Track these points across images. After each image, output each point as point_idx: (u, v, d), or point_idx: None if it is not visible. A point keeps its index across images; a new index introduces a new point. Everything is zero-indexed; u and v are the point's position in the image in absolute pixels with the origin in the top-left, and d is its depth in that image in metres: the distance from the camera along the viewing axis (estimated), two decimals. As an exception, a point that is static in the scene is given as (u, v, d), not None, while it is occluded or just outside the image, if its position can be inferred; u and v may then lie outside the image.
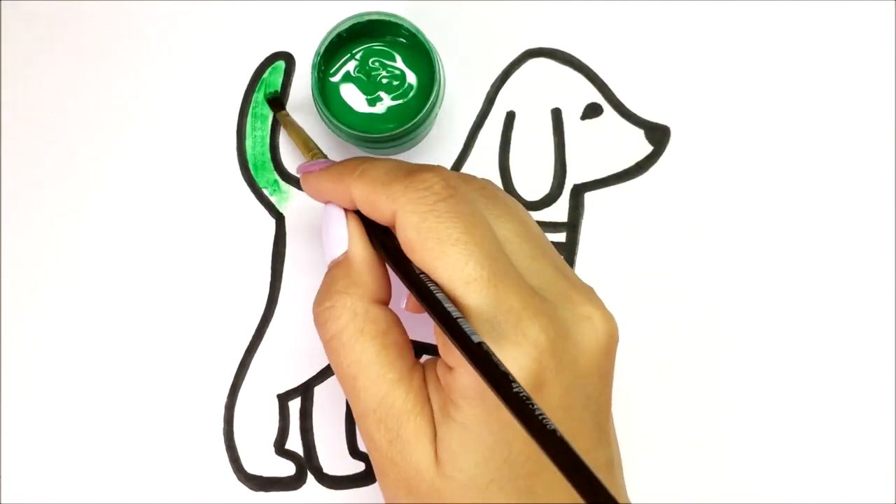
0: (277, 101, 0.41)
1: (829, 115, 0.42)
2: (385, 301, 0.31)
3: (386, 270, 0.32)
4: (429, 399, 0.29)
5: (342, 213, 0.32)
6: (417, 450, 0.29)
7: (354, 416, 0.31)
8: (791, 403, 0.41)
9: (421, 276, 0.28)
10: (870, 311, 0.41)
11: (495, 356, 0.25)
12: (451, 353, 0.28)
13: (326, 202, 0.33)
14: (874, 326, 0.41)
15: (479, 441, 0.28)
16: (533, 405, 0.23)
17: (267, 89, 0.42)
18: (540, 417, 0.23)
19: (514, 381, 0.24)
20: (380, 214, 0.30)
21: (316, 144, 0.38)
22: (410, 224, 0.29)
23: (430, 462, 0.28)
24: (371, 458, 0.31)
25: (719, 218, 0.41)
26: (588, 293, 0.30)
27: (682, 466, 0.41)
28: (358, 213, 0.32)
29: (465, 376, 0.28)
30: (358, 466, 0.41)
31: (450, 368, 0.28)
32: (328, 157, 0.37)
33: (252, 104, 0.42)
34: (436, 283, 0.28)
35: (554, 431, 0.22)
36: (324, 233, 0.32)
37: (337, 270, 0.31)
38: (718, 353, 0.41)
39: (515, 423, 0.27)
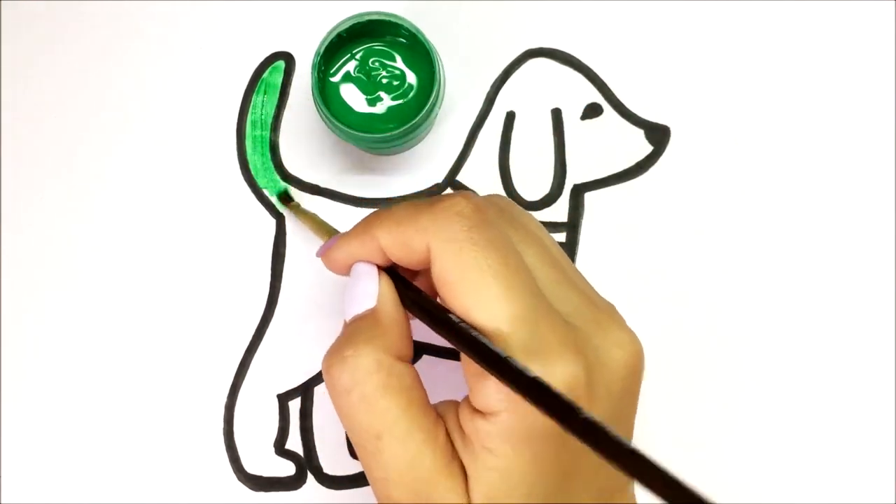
0: (286, 196, 0.41)
1: (830, 115, 0.42)
2: (407, 361, 0.30)
3: (410, 331, 0.30)
4: (455, 453, 0.28)
5: (374, 268, 0.30)
6: None
7: (369, 477, 0.28)
8: (791, 403, 0.41)
9: (461, 324, 0.27)
10: (870, 311, 0.41)
11: (553, 388, 0.24)
12: (487, 398, 0.27)
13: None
14: (874, 326, 0.41)
15: (523, 482, 0.27)
16: (606, 429, 0.23)
17: (267, 89, 0.42)
18: (616, 439, 0.22)
19: (579, 409, 0.23)
20: (412, 252, 0.29)
21: (334, 228, 0.38)
22: (448, 254, 0.27)
23: None
24: None
25: (719, 218, 0.41)
26: (612, 313, 0.30)
27: (682, 466, 0.41)
28: (386, 272, 0.31)
29: (508, 421, 0.27)
30: (358, 466, 0.41)
31: (484, 416, 0.27)
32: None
33: (252, 104, 0.42)
34: (473, 326, 0.27)
35: (634, 451, 0.22)
36: (350, 287, 0.30)
37: (361, 322, 0.29)
38: (718, 353, 0.41)
39: (554, 459, 0.27)
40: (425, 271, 0.30)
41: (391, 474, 0.28)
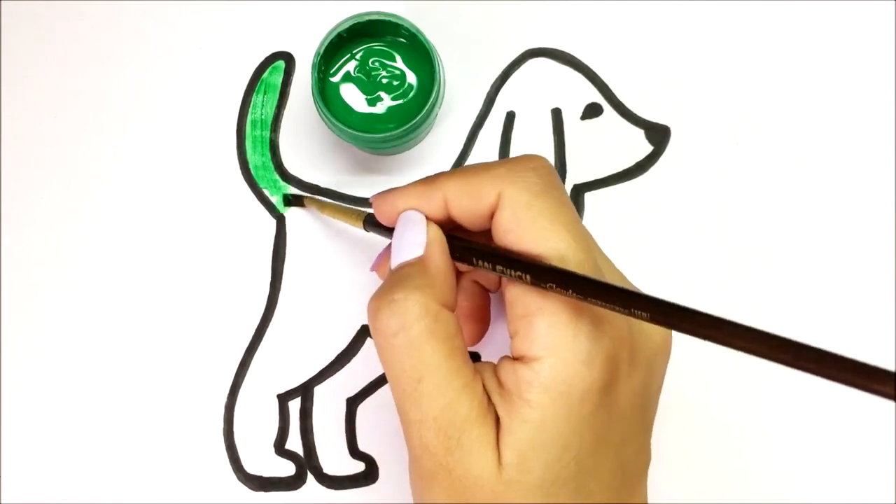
0: (296, 199, 0.41)
1: (830, 115, 0.42)
2: (453, 310, 0.30)
3: (455, 282, 0.31)
4: (491, 404, 0.28)
5: (423, 217, 0.31)
6: (480, 457, 0.28)
7: (403, 419, 0.29)
8: (791, 403, 0.41)
9: (520, 255, 0.28)
10: (870, 311, 0.41)
11: (634, 289, 0.26)
12: (533, 343, 0.27)
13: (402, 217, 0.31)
14: (874, 326, 0.41)
15: (555, 438, 0.27)
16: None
17: (267, 89, 0.42)
18: (727, 320, 0.25)
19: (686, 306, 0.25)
20: (480, 200, 0.29)
21: (361, 210, 0.37)
22: (521, 201, 0.28)
23: (493, 468, 0.28)
24: (418, 464, 0.29)
25: (719, 218, 0.41)
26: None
27: (682, 466, 0.41)
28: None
29: (554, 367, 0.27)
30: (358, 466, 0.41)
31: (528, 361, 0.28)
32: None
33: (252, 104, 0.42)
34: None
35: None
36: (398, 235, 0.31)
37: (409, 269, 0.30)
38: (718, 352, 0.41)
39: (589, 420, 0.27)
40: (481, 226, 0.30)
41: (427, 417, 0.28)
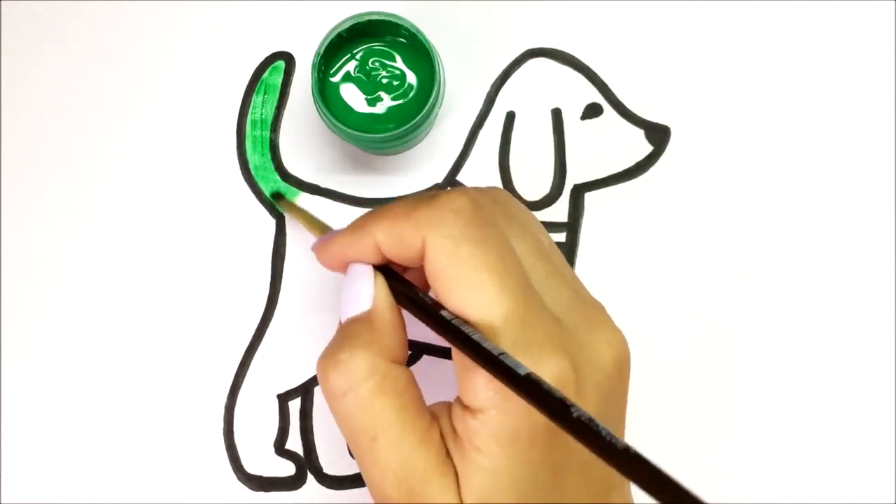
0: (277, 195, 0.42)
1: (829, 115, 0.42)
2: (403, 363, 0.30)
3: (405, 335, 0.30)
4: (448, 454, 0.28)
5: (370, 269, 0.30)
6: None
7: (364, 475, 0.29)
8: (791, 403, 0.41)
9: (454, 320, 0.27)
10: (870, 312, 0.41)
11: (546, 384, 0.24)
12: (475, 396, 0.27)
13: (347, 264, 0.31)
14: (874, 326, 0.41)
15: (512, 483, 0.27)
16: (600, 426, 0.23)
17: (267, 89, 0.42)
18: (608, 437, 0.22)
19: (572, 405, 0.24)
20: (407, 249, 0.29)
21: (326, 225, 0.38)
22: (444, 251, 0.27)
23: None
24: None
25: (719, 218, 0.41)
26: (601, 311, 0.30)
27: (683, 466, 0.41)
28: (380, 271, 0.31)
29: (497, 418, 0.27)
30: (358, 466, 0.41)
31: (474, 413, 0.27)
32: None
33: (252, 105, 0.42)
34: (467, 322, 0.27)
35: (627, 449, 0.22)
36: (345, 288, 0.30)
37: (356, 326, 0.29)
38: (718, 353, 0.41)
39: (543, 458, 0.27)
40: (417, 267, 0.30)
41: (386, 475, 0.28)
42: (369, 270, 0.30)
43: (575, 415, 0.23)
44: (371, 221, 0.30)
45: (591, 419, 0.23)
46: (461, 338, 0.27)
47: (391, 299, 0.30)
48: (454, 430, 0.28)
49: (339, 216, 0.41)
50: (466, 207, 0.28)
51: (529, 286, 0.28)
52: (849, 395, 0.41)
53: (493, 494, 0.27)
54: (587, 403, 0.28)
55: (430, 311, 0.28)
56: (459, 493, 0.27)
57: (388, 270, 0.31)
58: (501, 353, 0.26)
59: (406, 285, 0.30)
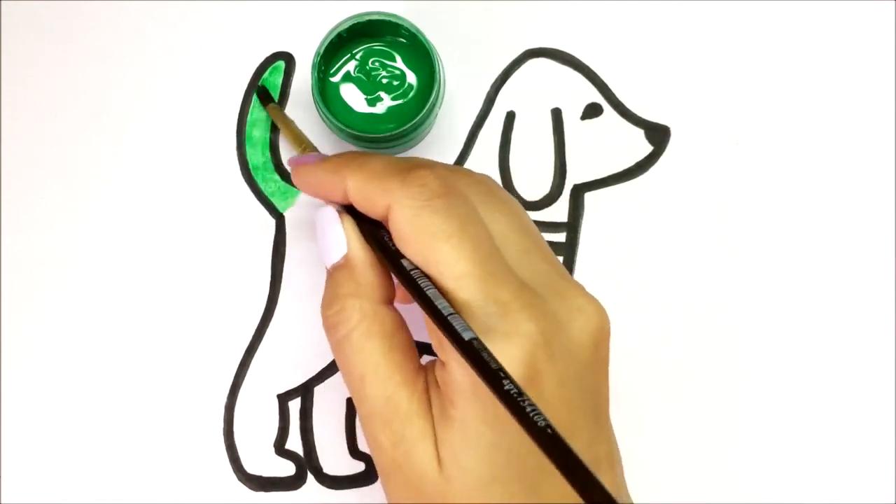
0: (266, 94, 0.41)
1: (829, 115, 0.42)
2: (390, 300, 0.32)
3: (387, 272, 0.32)
4: (430, 401, 0.29)
5: (336, 214, 0.32)
6: (421, 452, 0.29)
7: (359, 417, 0.31)
8: (791, 403, 0.41)
9: (413, 271, 0.29)
10: (870, 312, 0.41)
11: (487, 352, 0.25)
12: (443, 350, 0.28)
13: (315, 195, 0.33)
14: (874, 326, 0.41)
15: (479, 437, 0.28)
16: (524, 401, 0.23)
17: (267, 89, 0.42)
18: (532, 414, 0.23)
19: (505, 376, 0.24)
20: (373, 207, 0.30)
21: (308, 139, 0.38)
22: (405, 218, 0.29)
23: (434, 464, 0.28)
24: (375, 460, 0.31)
25: (719, 218, 0.41)
26: (577, 285, 0.31)
27: (683, 466, 0.41)
28: (349, 210, 0.32)
29: (457, 372, 0.28)
30: (358, 466, 0.41)
31: (443, 367, 0.29)
32: (320, 152, 0.38)
33: (252, 105, 0.42)
34: (428, 279, 0.28)
35: (546, 427, 0.23)
36: (319, 236, 0.33)
37: (340, 274, 0.32)
38: (718, 352, 0.41)
39: (509, 417, 0.27)
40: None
41: (373, 412, 0.30)
42: (336, 215, 0.32)
43: (506, 387, 0.24)
44: (346, 169, 0.31)
45: (519, 393, 0.23)
46: (417, 290, 0.28)
47: (363, 240, 0.32)
48: (437, 381, 0.29)
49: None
50: (434, 182, 0.29)
51: (495, 254, 0.29)
52: (849, 395, 0.41)
53: (462, 447, 0.28)
54: (557, 367, 0.28)
55: (392, 257, 0.30)
56: (437, 442, 0.29)
57: (353, 210, 0.32)
58: (451, 314, 0.27)
59: (375, 226, 0.31)
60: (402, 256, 0.30)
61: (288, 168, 0.42)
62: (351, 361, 0.30)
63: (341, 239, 0.32)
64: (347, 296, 0.31)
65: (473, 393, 0.28)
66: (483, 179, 0.32)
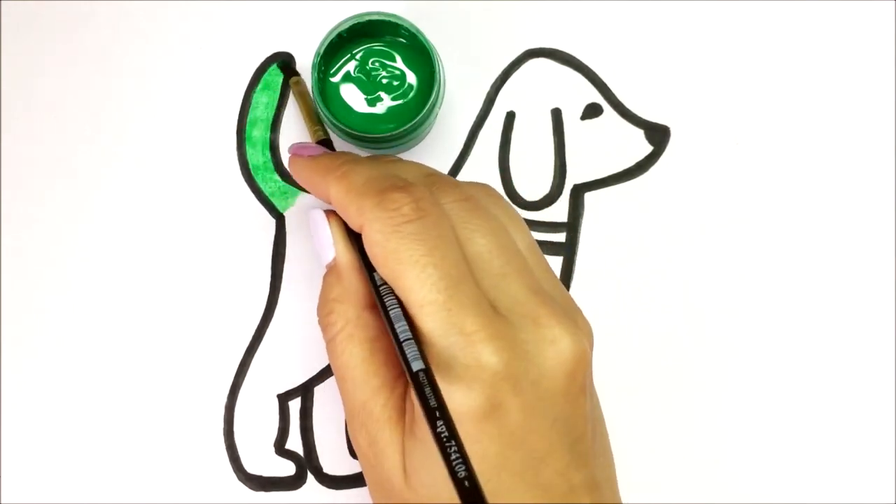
0: (289, 68, 0.41)
1: (829, 115, 0.42)
2: (373, 306, 0.32)
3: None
4: (405, 411, 0.29)
5: (325, 218, 0.33)
6: (389, 458, 0.29)
7: (345, 414, 0.32)
8: (791, 403, 0.41)
9: (382, 286, 0.29)
10: (870, 312, 0.41)
11: (431, 387, 0.25)
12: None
13: (305, 189, 0.34)
14: (874, 327, 0.41)
15: (437, 459, 0.27)
16: (451, 447, 0.23)
17: (267, 89, 0.42)
18: (454, 462, 0.23)
19: (440, 416, 0.24)
20: (349, 221, 0.31)
21: (322, 123, 0.39)
22: (374, 241, 0.29)
23: (400, 472, 0.29)
24: (360, 461, 0.32)
25: (719, 218, 0.41)
26: (558, 312, 0.29)
27: (683, 466, 0.41)
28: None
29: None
30: (358, 466, 0.41)
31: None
32: (330, 137, 0.38)
33: (252, 104, 0.42)
34: (396, 298, 0.29)
35: (465, 479, 0.23)
36: (312, 237, 0.34)
37: (330, 278, 0.33)
38: (718, 353, 0.41)
39: (472, 443, 0.27)
40: None
41: (353, 413, 0.31)
42: (324, 219, 0.33)
43: (438, 430, 0.24)
44: (331, 177, 0.32)
45: (449, 437, 0.24)
46: (382, 307, 0.29)
47: (349, 245, 0.32)
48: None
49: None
50: (407, 210, 0.29)
51: (464, 279, 0.28)
52: (849, 395, 0.41)
53: (423, 464, 0.28)
54: (522, 398, 0.27)
55: (369, 267, 0.30)
56: (404, 452, 0.29)
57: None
58: (407, 340, 0.27)
59: (357, 235, 0.32)
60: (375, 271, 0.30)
61: (288, 168, 0.42)
62: (335, 363, 0.31)
63: (328, 242, 0.33)
64: (334, 300, 0.32)
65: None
66: (470, 196, 0.32)
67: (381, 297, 0.29)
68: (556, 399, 0.29)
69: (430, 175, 0.32)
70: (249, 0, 0.42)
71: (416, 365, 0.26)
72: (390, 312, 0.28)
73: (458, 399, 0.27)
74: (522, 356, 0.28)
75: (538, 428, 0.28)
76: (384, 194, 0.30)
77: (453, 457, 0.23)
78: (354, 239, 0.32)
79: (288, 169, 0.35)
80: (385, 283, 0.30)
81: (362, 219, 0.30)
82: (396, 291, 0.29)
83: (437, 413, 0.24)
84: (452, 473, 0.23)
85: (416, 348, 0.27)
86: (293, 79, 0.41)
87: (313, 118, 0.39)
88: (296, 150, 0.36)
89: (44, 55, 0.42)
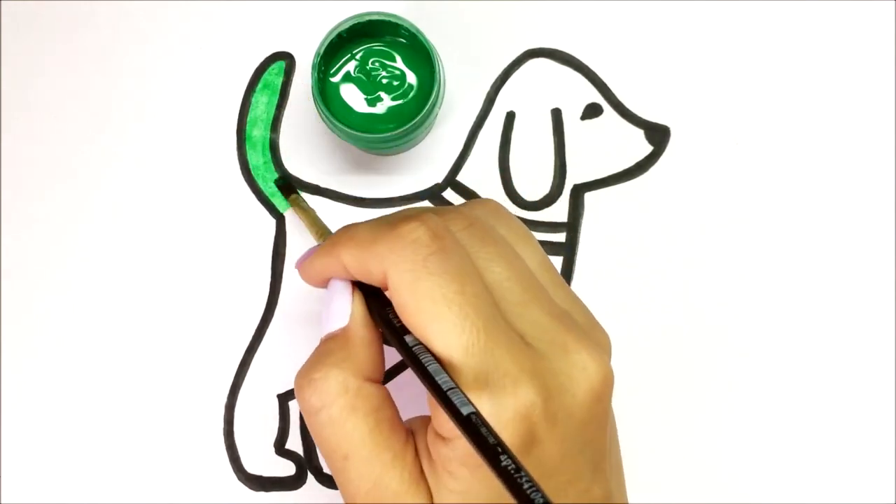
0: (287, 186, 0.41)
1: (829, 115, 0.42)
2: (377, 381, 0.30)
3: (382, 351, 0.31)
4: (423, 473, 0.28)
5: (348, 286, 0.31)
6: None
7: (341, 492, 0.29)
8: (791, 403, 0.41)
9: (416, 347, 0.28)
10: (870, 311, 0.41)
11: (486, 426, 0.24)
12: (442, 426, 0.27)
13: (325, 283, 0.32)
14: (874, 326, 0.41)
15: None
16: (521, 477, 0.23)
17: (267, 89, 0.42)
18: (529, 491, 0.22)
19: (503, 451, 0.24)
20: (371, 277, 0.29)
21: (327, 228, 0.38)
22: (404, 284, 0.28)
23: None
24: None
25: (719, 218, 0.41)
26: (579, 336, 0.29)
27: (683, 466, 0.41)
28: (360, 287, 0.31)
29: (465, 446, 0.27)
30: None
31: (444, 440, 0.28)
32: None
33: (252, 104, 0.42)
34: (430, 352, 0.27)
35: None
36: (325, 305, 0.31)
37: (332, 343, 0.30)
38: (718, 352, 0.41)
39: None
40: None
41: (358, 493, 0.28)
42: (347, 287, 0.31)
43: (503, 463, 0.23)
44: (339, 245, 0.30)
45: (517, 469, 0.23)
46: (419, 367, 0.27)
47: (367, 317, 0.30)
48: (428, 452, 0.28)
49: (339, 216, 0.41)
50: (425, 238, 0.28)
51: (495, 315, 0.28)
52: (849, 395, 0.41)
53: None
54: (557, 431, 0.27)
55: (397, 335, 0.28)
56: None
57: (367, 288, 0.31)
58: (451, 389, 0.26)
59: (382, 304, 0.30)
60: (407, 332, 0.28)
61: (293, 172, 0.42)
62: (330, 437, 0.28)
63: (345, 310, 0.30)
64: (332, 366, 0.29)
65: (480, 465, 0.27)
66: (474, 221, 0.31)
67: (415, 357, 0.27)
68: (588, 426, 0.29)
69: (431, 208, 0.32)
70: (249, 0, 0.42)
71: (466, 409, 0.25)
72: (429, 367, 0.27)
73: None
74: (558, 389, 0.28)
75: (569, 455, 0.28)
76: (396, 230, 0.28)
77: (525, 486, 0.23)
78: (375, 313, 0.30)
79: (302, 278, 0.33)
80: (418, 343, 0.28)
81: (384, 264, 0.28)
82: (431, 337, 0.27)
83: (498, 449, 0.24)
84: (528, 502, 0.23)
85: (462, 395, 0.26)
86: (292, 197, 0.41)
87: (318, 230, 0.38)
88: (300, 260, 0.33)
89: (44, 55, 0.42)
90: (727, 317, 0.41)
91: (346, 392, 0.28)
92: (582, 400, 0.28)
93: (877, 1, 0.42)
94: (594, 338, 0.30)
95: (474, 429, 0.25)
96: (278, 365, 0.41)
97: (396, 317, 0.29)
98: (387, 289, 0.29)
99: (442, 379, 0.26)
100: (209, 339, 0.41)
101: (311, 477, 0.41)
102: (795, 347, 0.41)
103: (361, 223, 0.31)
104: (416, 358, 0.27)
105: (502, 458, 0.24)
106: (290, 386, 0.41)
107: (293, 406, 0.41)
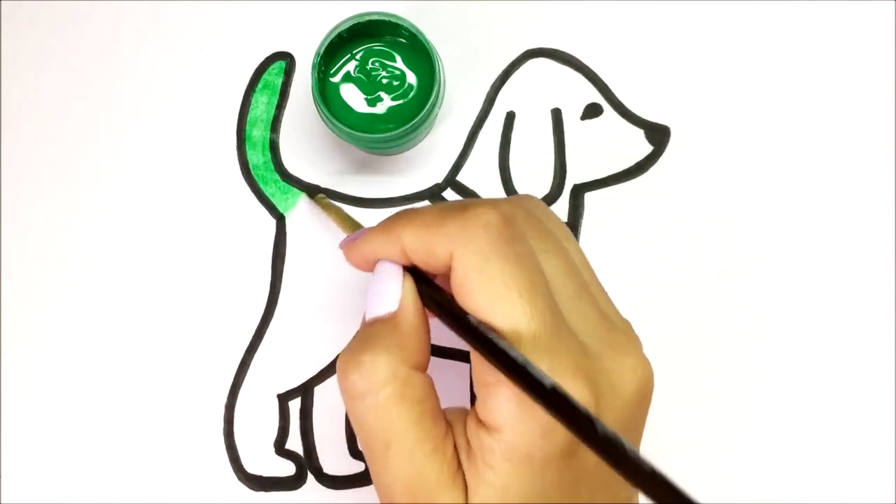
0: (311, 188, 0.42)
1: (829, 115, 0.42)
2: (424, 370, 0.29)
3: (429, 340, 0.30)
4: (461, 466, 0.28)
5: (399, 269, 0.30)
6: None
7: (375, 480, 0.29)
8: (792, 402, 0.41)
9: (481, 327, 0.27)
10: (870, 311, 0.41)
11: (572, 398, 0.24)
12: (492, 414, 0.27)
13: (375, 262, 0.31)
14: (874, 326, 0.41)
15: (521, 502, 0.27)
16: (624, 445, 0.22)
17: (267, 89, 0.42)
18: (633, 458, 0.22)
19: (597, 420, 0.23)
20: (435, 258, 0.28)
21: (358, 222, 0.37)
22: (473, 265, 0.27)
23: None
24: None
25: (719, 218, 0.41)
26: (627, 333, 0.29)
27: (683, 465, 0.41)
28: (409, 272, 0.30)
29: (512, 439, 0.26)
30: (358, 466, 0.41)
31: (489, 429, 0.27)
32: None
33: (252, 104, 0.42)
34: (494, 330, 0.27)
35: (653, 472, 0.22)
36: (373, 285, 0.30)
37: (381, 327, 0.29)
38: (718, 352, 0.41)
39: (555, 481, 0.26)
40: (441, 275, 0.29)
41: (396, 482, 0.27)
42: (399, 270, 0.30)
43: (600, 432, 0.23)
44: (400, 225, 0.29)
45: (616, 436, 0.22)
46: (488, 344, 0.26)
47: (419, 302, 0.29)
48: (468, 443, 0.28)
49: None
50: (497, 222, 0.28)
51: (556, 308, 0.27)
52: (849, 395, 0.41)
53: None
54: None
55: (458, 316, 0.27)
56: None
57: (416, 272, 0.30)
58: (527, 363, 0.25)
59: (434, 289, 0.29)
60: (466, 313, 0.27)
61: (293, 172, 0.42)
62: (374, 423, 0.27)
63: (395, 293, 0.29)
64: (383, 350, 0.28)
65: (526, 460, 0.26)
66: (531, 209, 0.30)
67: (481, 335, 0.26)
68: (629, 425, 0.29)
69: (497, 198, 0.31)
70: (249, 0, 0.42)
71: (548, 381, 0.24)
72: (499, 343, 0.26)
73: (549, 432, 0.26)
74: (610, 388, 0.28)
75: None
76: (467, 211, 0.28)
77: (630, 453, 0.22)
78: (428, 298, 0.30)
79: (349, 261, 0.32)
80: (482, 323, 0.27)
81: (454, 243, 0.27)
82: (495, 318, 0.27)
83: (592, 417, 0.23)
84: (635, 468, 0.22)
85: (538, 369, 0.25)
86: (318, 196, 0.41)
87: (349, 224, 0.37)
88: (346, 241, 0.32)
89: (44, 55, 0.42)
90: (727, 317, 0.41)
91: (395, 379, 0.27)
92: (629, 400, 0.28)
93: (877, 1, 0.42)
94: (634, 339, 0.30)
95: (562, 400, 0.24)
96: (278, 365, 0.41)
97: (453, 299, 0.28)
98: (441, 273, 0.28)
99: (515, 353, 0.25)
100: (209, 338, 0.41)
101: (311, 477, 0.41)
102: (796, 347, 0.41)
103: (423, 207, 0.30)
104: (483, 335, 0.26)
105: (597, 425, 0.23)
106: (290, 386, 0.41)
107: (293, 406, 0.41)
